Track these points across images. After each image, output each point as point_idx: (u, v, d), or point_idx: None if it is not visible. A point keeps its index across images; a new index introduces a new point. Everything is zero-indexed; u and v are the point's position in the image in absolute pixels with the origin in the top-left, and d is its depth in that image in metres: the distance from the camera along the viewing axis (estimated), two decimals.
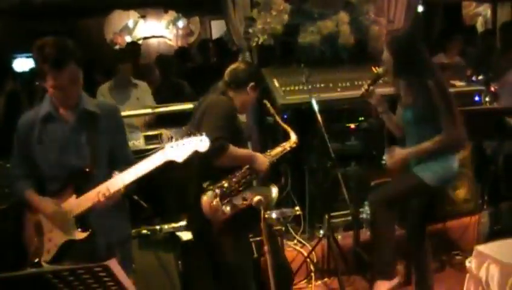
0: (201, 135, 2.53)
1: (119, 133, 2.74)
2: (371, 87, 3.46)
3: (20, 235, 2.71)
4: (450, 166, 3.35)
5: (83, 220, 2.57)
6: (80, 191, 2.57)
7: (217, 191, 2.87)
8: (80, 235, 2.57)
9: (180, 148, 2.50)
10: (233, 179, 2.97)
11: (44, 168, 2.63)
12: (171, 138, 4.28)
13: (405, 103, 3.33)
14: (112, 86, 5.07)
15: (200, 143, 2.52)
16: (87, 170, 2.58)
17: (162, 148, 2.52)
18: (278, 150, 3.28)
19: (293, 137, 3.34)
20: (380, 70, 3.43)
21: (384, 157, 3.39)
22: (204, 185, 2.92)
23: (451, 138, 3.21)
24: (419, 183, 3.29)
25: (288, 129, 3.37)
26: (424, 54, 3.31)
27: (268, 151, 3.28)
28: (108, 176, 2.55)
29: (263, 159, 3.11)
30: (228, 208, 2.86)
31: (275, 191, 3.12)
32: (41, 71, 2.48)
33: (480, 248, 2.53)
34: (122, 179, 2.50)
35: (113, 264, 1.67)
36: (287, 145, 3.30)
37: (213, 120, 2.90)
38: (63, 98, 2.55)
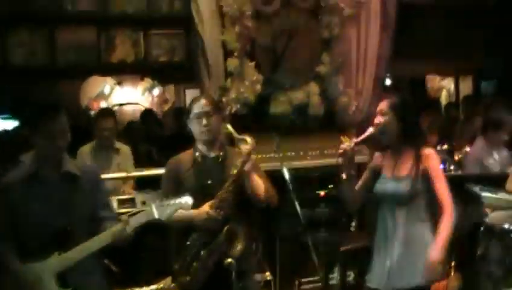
0: (184, 195, 2.68)
1: (99, 195, 2.83)
2: (358, 146, 3.14)
3: None
4: None
5: (64, 278, 2.61)
6: (62, 249, 2.62)
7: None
8: None
9: (165, 208, 2.62)
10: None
11: (26, 227, 2.68)
12: (144, 202, 4.35)
13: (400, 173, 3.05)
14: (93, 149, 4.95)
15: (185, 202, 2.67)
16: (69, 229, 2.64)
17: (148, 206, 2.64)
18: (238, 167, 3.03)
19: (249, 140, 3.09)
20: (371, 131, 3.08)
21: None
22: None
23: (453, 214, 2.99)
24: None
25: (244, 136, 3.12)
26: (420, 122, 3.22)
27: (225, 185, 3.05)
28: (89, 235, 2.63)
29: (199, 213, 3.00)
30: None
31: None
32: (33, 122, 2.63)
33: None
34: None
35: None
36: (244, 151, 3.05)
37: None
38: (52, 150, 2.65)
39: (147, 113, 7.61)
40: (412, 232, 3.02)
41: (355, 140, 3.06)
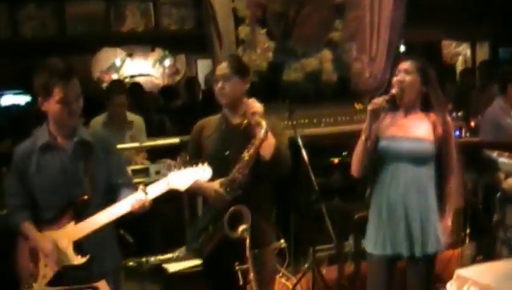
0: (203, 164, 2.60)
1: (114, 162, 2.81)
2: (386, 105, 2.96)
3: (12, 263, 2.74)
4: None
5: (80, 246, 2.62)
6: (78, 218, 2.63)
7: None
8: (78, 260, 2.61)
9: (183, 177, 2.56)
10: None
11: (42, 196, 2.68)
12: (158, 172, 4.35)
13: (419, 134, 2.94)
14: (106, 121, 4.90)
15: (203, 173, 2.60)
16: (85, 197, 2.64)
17: (165, 176, 2.60)
18: (251, 152, 2.82)
19: (264, 123, 2.81)
20: (395, 90, 2.96)
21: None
22: None
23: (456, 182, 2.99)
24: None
25: (260, 120, 2.83)
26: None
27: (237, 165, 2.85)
28: (106, 203, 2.63)
29: (208, 187, 2.86)
30: None
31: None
32: (47, 88, 2.57)
33: (461, 271, 2.60)
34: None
35: (102, 286, 1.71)
36: (259, 136, 2.82)
37: None
38: (67, 115, 2.62)
39: (167, 89, 7.58)
40: (426, 196, 2.94)
41: (386, 97, 2.93)
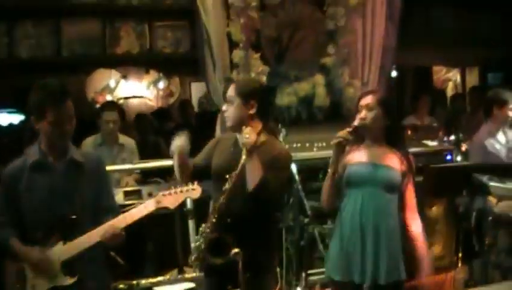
0: (192, 183, 2.62)
1: (103, 183, 2.81)
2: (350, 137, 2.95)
3: None
4: None
5: (69, 266, 2.61)
6: (67, 238, 2.62)
7: None
8: (66, 280, 2.60)
9: (172, 196, 2.57)
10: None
11: (31, 215, 2.68)
12: (150, 194, 4.35)
13: (385, 162, 2.95)
14: (98, 143, 4.90)
15: (193, 191, 2.62)
16: (74, 217, 2.63)
17: (155, 195, 2.61)
18: (232, 180, 2.78)
19: (246, 130, 2.80)
20: (357, 122, 2.97)
21: None
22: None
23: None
24: None
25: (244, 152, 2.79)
26: None
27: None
28: (94, 224, 2.62)
29: None
30: None
31: None
32: (40, 109, 2.59)
33: None
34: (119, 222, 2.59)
35: None
36: (235, 173, 2.79)
37: None
38: (58, 137, 2.63)
39: (161, 111, 7.61)
40: (395, 223, 2.94)
41: (349, 129, 2.93)
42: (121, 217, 2.63)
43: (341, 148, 2.95)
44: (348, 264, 2.93)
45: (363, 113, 2.97)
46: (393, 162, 2.96)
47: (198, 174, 2.98)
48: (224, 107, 3.00)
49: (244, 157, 2.76)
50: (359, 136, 2.99)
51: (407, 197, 3.01)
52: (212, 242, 2.72)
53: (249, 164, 2.78)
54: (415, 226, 3.00)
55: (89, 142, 4.91)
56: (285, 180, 3.00)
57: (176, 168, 2.99)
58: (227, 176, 2.80)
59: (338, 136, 2.92)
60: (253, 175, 2.77)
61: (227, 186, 2.78)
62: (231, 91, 2.98)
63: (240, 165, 2.77)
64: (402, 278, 2.94)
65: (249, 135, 2.79)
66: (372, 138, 3.00)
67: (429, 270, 3.02)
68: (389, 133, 2.99)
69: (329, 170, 2.99)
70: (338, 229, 3.03)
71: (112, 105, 5.74)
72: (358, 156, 3.01)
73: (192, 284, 3.79)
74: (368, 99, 2.99)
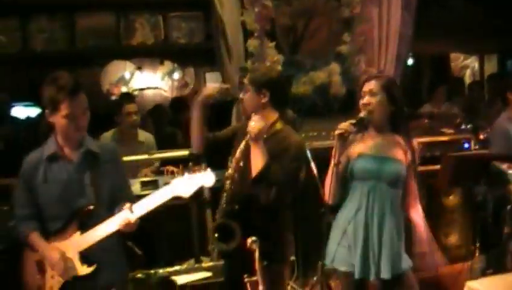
0: (205, 170, 2.62)
1: (119, 174, 2.82)
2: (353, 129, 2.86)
3: (17, 275, 2.74)
4: None
5: (87, 256, 2.63)
6: (83, 229, 2.65)
7: None
8: (84, 270, 2.62)
9: (187, 184, 2.57)
10: None
11: (48, 207, 2.70)
12: (167, 184, 4.35)
13: (391, 155, 2.89)
14: (116, 138, 4.82)
15: (207, 179, 2.62)
16: (91, 207, 2.65)
17: (169, 183, 2.61)
18: (233, 166, 2.94)
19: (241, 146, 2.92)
20: (363, 114, 2.90)
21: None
22: None
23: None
24: None
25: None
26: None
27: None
28: (110, 214, 2.64)
29: None
30: None
31: None
32: (54, 102, 2.59)
33: (471, 284, 2.59)
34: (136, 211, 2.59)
35: None
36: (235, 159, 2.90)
37: None
38: (73, 130, 2.64)
39: (177, 102, 7.61)
40: (396, 217, 2.89)
41: (352, 121, 2.85)
42: (136, 205, 2.63)
43: (343, 140, 2.85)
44: (351, 257, 2.89)
45: (365, 99, 2.90)
46: (399, 153, 2.89)
47: (214, 145, 3.03)
48: (241, 95, 3.05)
49: (243, 143, 2.79)
50: (363, 125, 2.91)
51: (410, 186, 2.95)
52: (219, 227, 2.73)
53: (253, 152, 2.80)
54: (416, 215, 2.96)
55: (107, 136, 4.85)
56: (294, 170, 2.95)
57: (194, 121, 3.02)
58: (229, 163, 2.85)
59: (340, 127, 2.84)
60: (257, 163, 2.79)
61: (230, 171, 2.84)
62: (246, 80, 3.03)
63: (238, 151, 2.79)
64: (404, 271, 2.91)
65: (254, 122, 2.80)
66: (376, 126, 2.93)
67: (433, 258, 3.05)
68: (393, 119, 2.91)
69: (331, 162, 2.88)
70: (341, 221, 2.97)
71: (130, 97, 5.74)
72: (362, 148, 2.93)
73: (209, 273, 3.80)
74: (371, 85, 2.91)
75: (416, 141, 3.01)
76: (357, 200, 2.90)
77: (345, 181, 2.94)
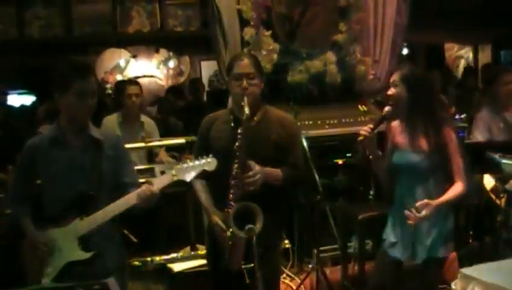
0: (207, 156, 2.67)
1: (122, 161, 2.83)
2: (374, 131, 2.98)
3: (17, 256, 2.77)
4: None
5: (86, 241, 2.65)
6: (84, 214, 2.66)
7: None
8: (83, 255, 2.65)
9: (188, 169, 2.64)
10: None
11: (49, 191, 2.71)
12: (163, 172, 4.37)
13: (417, 146, 2.97)
14: (120, 120, 4.88)
15: (208, 164, 2.67)
16: (91, 193, 2.67)
17: (171, 168, 2.64)
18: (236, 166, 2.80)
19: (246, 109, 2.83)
20: (386, 110, 3.00)
21: (415, 211, 2.80)
22: None
23: (466, 191, 2.94)
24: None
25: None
26: (438, 96, 3.15)
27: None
28: (111, 200, 2.66)
29: (210, 214, 2.94)
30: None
31: None
32: (66, 81, 2.61)
33: (465, 270, 2.62)
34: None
35: (112, 284, 1.74)
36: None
37: None
38: (81, 108, 2.65)
39: (174, 89, 7.63)
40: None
41: (371, 126, 2.96)
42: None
43: (368, 142, 2.98)
44: (400, 244, 3.01)
45: (390, 90, 3.01)
46: (429, 143, 2.94)
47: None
48: (245, 84, 2.87)
49: (241, 128, 2.78)
50: (392, 116, 3.03)
51: (453, 168, 2.95)
52: (239, 212, 2.73)
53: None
54: (457, 186, 2.93)
55: (110, 120, 4.89)
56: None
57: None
58: (235, 150, 2.78)
59: (361, 133, 2.95)
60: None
61: (236, 164, 2.77)
62: (248, 66, 2.92)
63: (239, 138, 2.77)
64: (446, 255, 3.02)
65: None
66: (404, 117, 3.03)
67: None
68: (415, 109, 2.96)
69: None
70: (393, 211, 3.10)
71: (134, 80, 5.78)
72: (399, 139, 3.05)
73: (204, 261, 3.83)
74: (394, 76, 3.01)
75: (449, 128, 2.99)
76: (402, 190, 3.03)
77: (391, 170, 3.06)
